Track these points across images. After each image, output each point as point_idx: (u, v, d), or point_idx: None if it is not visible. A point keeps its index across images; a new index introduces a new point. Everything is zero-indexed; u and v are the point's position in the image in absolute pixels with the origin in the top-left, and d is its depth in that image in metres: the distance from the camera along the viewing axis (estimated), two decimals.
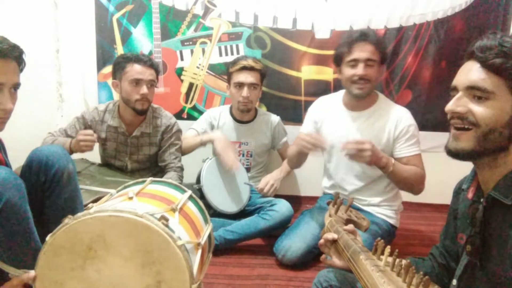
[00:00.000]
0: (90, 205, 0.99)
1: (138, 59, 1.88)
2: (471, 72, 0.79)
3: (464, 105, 0.80)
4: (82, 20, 2.50)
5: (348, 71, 1.69)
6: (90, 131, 1.80)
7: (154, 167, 2.10)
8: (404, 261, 0.80)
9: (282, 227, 1.89)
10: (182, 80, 2.54)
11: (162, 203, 1.07)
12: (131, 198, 1.03)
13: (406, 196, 1.81)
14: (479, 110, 0.78)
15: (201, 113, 2.45)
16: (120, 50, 2.52)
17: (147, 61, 1.88)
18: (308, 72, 2.47)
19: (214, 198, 1.93)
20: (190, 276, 0.90)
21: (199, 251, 1.01)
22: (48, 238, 0.91)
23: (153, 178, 1.23)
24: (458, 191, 0.96)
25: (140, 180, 1.22)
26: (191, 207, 1.17)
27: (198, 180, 1.97)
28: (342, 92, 1.84)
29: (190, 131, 2.19)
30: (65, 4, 2.51)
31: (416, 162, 1.66)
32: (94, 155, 2.09)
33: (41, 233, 1.15)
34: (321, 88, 2.43)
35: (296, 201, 2.52)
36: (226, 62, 2.41)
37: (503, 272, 0.76)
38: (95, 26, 2.51)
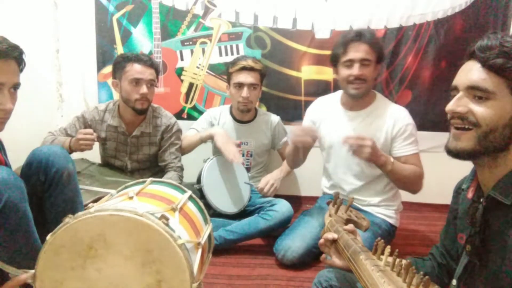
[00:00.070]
0: (90, 204, 0.99)
1: (138, 58, 1.88)
2: (471, 72, 0.79)
3: (465, 105, 0.80)
4: (82, 20, 2.50)
5: (344, 72, 1.69)
6: (89, 130, 1.80)
7: (154, 167, 2.10)
8: (404, 261, 0.80)
9: (282, 227, 1.89)
10: (182, 80, 2.54)
11: (162, 202, 1.07)
12: (131, 197, 1.03)
13: (406, 196, 1.81)
14: (479, 110, 0.78)
15: (201, 113, 2.45)
16: (120, 50, 2.52)
17: (147, 61, 1.88)
18: (308, 72, 2.47)
19: (215, 198, 1.93)
20: (191, 275, 0.90)
21: (199, 251, 1.01)
22: (48, 237, 0.91)
23: (153, 178, 1.23)
24: (458, 191, 0.96)
25: (140, 180, 1.22)
26: (191, 207, 1.17)
27: (199, 180, 1.97)
28: (340, 92, 1.85)
29: (190, 131, 2.19)
30: (65, 4, 2.51)
31: (414, 161, 1.66)
32: (94, 155, 2.09)
33: (41, 233, 1.15)
34: (321, 88, 2.43)
35: (296, 201, 2.52)
36: (226, 62, 2.41)
37: (503, 272, 0.76)
38: (95, 26, 2.51)
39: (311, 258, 1.73)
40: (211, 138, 2.05)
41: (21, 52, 1.16)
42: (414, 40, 2.39)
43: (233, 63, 2.08)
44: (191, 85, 2.55)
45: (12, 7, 2.18)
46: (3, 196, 1.05)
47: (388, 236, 1.74)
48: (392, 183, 1.72)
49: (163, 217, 0.92)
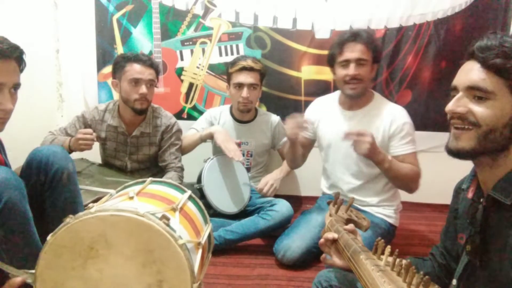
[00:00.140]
0: (90, 205, 0.99)
1: (137, 58, 1.88)
2: (471, 72, 0.79)
3: (465, 105, 0.80)
4: (82, 20, 2.50)
5: (340, 72, 1.70)
6: (89, 130, 1.80)
7: (154, 167, 2.10)
8: (404, 261, 0.80)
9: (282, 227, 1.89)
10: (182, 80, 2.54)
11: (163, 202, 1.07)
12: (131, 197, 1.03)
13: (406, 196, 1.81)
14: (479, 110, 0.78)
15: (201, 113, 2.45)
16: (120, 50, 2.52)
17: (146, 61, 1.88)
18: (308, 72, 2.48)
19: (215, 198, 1.93)
20: (191, 275, 0.90)
21: (200, 251, 1.01)
22: (49, 237, 0.90)
23: (153, 178, 1.22)
24: (458, 191, 0.96)
25: (140, 180, 1.22)
26: (191, 207, 1.17)
27: (199, 180, 1.97)
28: (338, 92, 1.85)
29: (190, 131, 2.19)
30: (65, 4, 2.51)
31: (412, 160, 1.66)
32: (94, 155, 2.09)
33: (41, 233, 1.15)
34: (321, 88, 2.43)
35: (296, 201, 2.52)
36: (226, 62, 2.41)
37: (503, 271, 0.76)
38: (95, 26, 2.51)
39: (311, 258, 1.73)
40: (211, 136, 2.05)
41: (21, 52, 1.16)
42: (414, 40, 2.39)
43: (233, 63, 2.08)
44: (191, 85, 2.55)
45: (12, 7, 2.18)
46: (3, 196, 1.05)
47: (388, 236, 1.75)
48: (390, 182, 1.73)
49: (164, 217, 0.92)
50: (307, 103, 2.05)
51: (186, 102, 2.57)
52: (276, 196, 2.05)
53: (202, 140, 2.09)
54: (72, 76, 2.60)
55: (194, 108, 2.57)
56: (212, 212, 1.91)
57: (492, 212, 0.80)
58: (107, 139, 2.01)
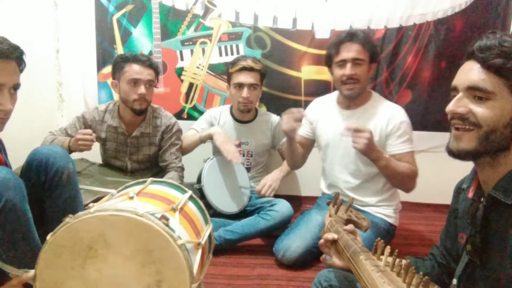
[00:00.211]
0: (90, 204, 0.99)
1: (136, 59, 1.88)
2: (471, 72, 0.79)
3: (465, 105, 0.79)
4: (82, 20, 2.50)
5: (337, 72, 1.71)
6: (89, 131, 1.80)
7: (154, 167, 2.10)
8: (404, 261, 0.80)
9: (282, 227, 1.89)
10: (182, 80, 2.54)
11: (163, 203, 1.07)
12: (131, 197, 1.03)
13: (406, 196, 1.81)
14: (480, 110, 0.78)
15: (201, 113, 2.45)
16: (120, 50, 2.52)
17: (145, 61, 1.88)
18: (308, 72, 2.48)
19: (215, 198, 1.93)
20: (190, 276, 0.90)
21: (199, 251, 1.01)
22: (48, 237, 0.90)
23: (154, 178, 1.23)
24: (459, 191, 0.96)
25: (141, 180, 1.22)
26: (192, 207, 1.17)
27: (199, 180, 1.97)
28: (337, 92, 1.86)
29: (190, 131, 2.19)
30: (65, 4, 2.51)
31: (409, 159, 1.66)
32: (94, 155, 2.09)
33: (41, 233, 1.15)
34: (321, 88, 2.43)
35: (296, 201, 2.52)
36: (226, 62, 2.41)
37: (503, 271, 0.76)
38: (95, 26, 2.51)
39: (311, 258, 1.73)
40: (210, 138, 2.06)
41: (21, 53, 1.17)
42: (414, 40, 2.39)
43: (233, 63, 2.08)
44: (191, 85, 2.55)
45: (12, 7, 2.18)
46: (3, 196, 1.05)
47: (387, 236, 1.75)
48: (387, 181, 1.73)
49: (163, 218, 0.92)
50: (307, 103, 2.05)
51: (186, 102, 2.57)
52: (276, 196, 2.05)
53: (202, 141, 2.09)
54: (72, 76, 2.60)
55: (194, 108, 2.57)
56: (212, 212, 1.91)
57: (492, 212, 0.80)
58: (107, 140, 2.01)
